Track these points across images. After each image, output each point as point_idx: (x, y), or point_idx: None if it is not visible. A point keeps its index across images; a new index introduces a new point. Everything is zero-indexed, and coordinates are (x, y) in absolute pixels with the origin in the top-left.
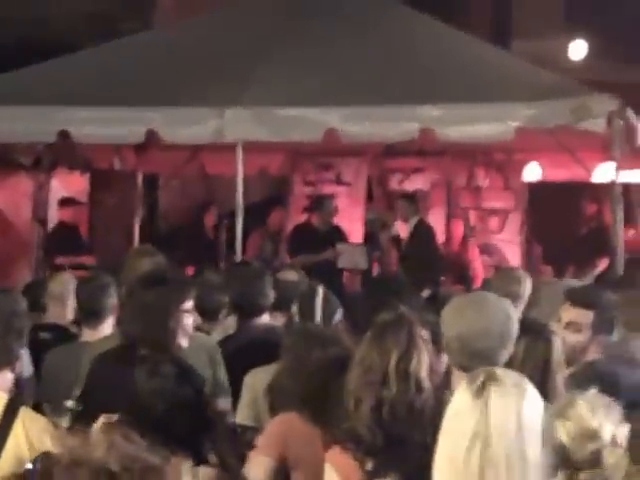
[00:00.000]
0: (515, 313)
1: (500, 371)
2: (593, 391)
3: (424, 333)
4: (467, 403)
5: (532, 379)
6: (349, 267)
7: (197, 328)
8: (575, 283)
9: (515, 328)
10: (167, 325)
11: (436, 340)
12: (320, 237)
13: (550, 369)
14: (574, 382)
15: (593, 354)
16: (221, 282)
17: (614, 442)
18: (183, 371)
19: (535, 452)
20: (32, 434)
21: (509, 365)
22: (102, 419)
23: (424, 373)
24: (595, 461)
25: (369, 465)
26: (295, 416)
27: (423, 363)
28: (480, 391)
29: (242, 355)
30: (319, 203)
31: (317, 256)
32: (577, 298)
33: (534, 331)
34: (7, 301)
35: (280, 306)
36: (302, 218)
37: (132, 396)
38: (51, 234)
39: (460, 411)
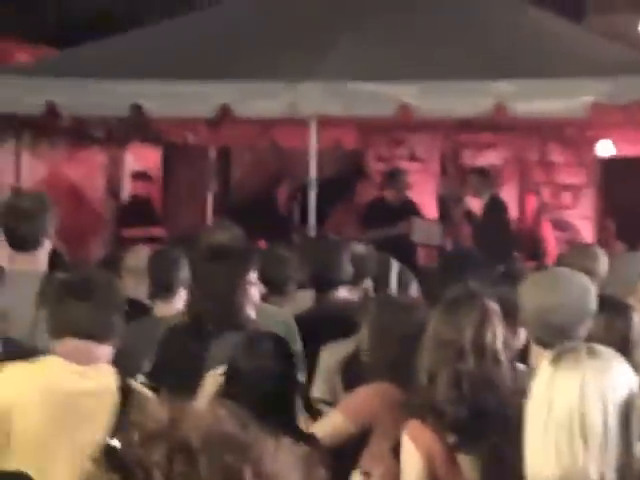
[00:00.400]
0: (593, 288)
1: (584, 343)
2: None
3: (496, 308)
4: (544, 370)
5: None
6: (423, 242)
7: (265, 300)
8: None
9: (593, 303)
10: (233, 298)
11: (511, 315)
12: (394, 212)
13: (629, 346)
14: None
15: None
16: (289, 255)
17: None
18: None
19: (601, 419)
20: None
21: (589, 339)
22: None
23: (500, 346)
24: None
25: (451, 439)
26: (388, 386)
27: (498, 336)
28: (555, 359)
29: (318, 329)
30: (392, 177)
31: (391, 230)
32: None
33: (612, 308)
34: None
35: (354, 280)
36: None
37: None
38: (124, 207)
39: (538, 378)
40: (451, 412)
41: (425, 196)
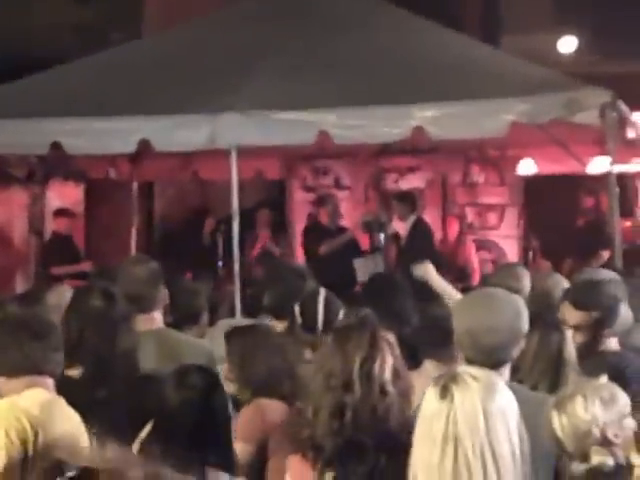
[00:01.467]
0: (524, 308)
1: (464, 370)
2: (602, 380)
3: (389, 337)
4: (434, 406)
5: (546, 372)
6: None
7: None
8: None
9: (525, 323)
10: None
11: (446, 334)
12: (331, 234)
13: (564, 361)
14: (584, 371)
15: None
16: (201, 286)
17: (605, 440)
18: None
19: (509, 447)
20: None
21: (522, 359)
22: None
23: (388, 376)
24: (583, 457)
25: (328, 477)
26: (264, 402)
27: (387, 366)
28: (444, 392)
29: None
30: (324, 200)
31: (342, 238)
32: (579, 300)
33: (546, 324)
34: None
35: (280, 309)
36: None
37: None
38: (46, 245)
39: (428, 414)
40: (329, 446)
41: (355, 224)
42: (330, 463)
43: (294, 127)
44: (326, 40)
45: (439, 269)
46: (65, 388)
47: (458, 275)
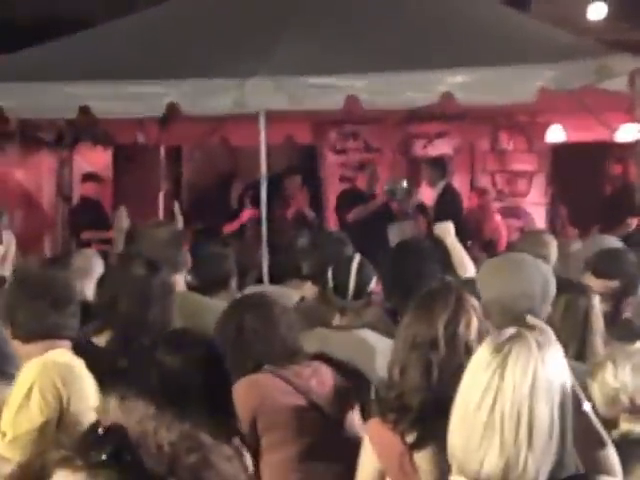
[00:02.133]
0: (552, 274)
1: (530, 334)
2: (637, 346)
3: (474, 302)
4: (485, 358)
5: (573, 335)
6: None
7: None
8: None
9: (553, 289)
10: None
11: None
12: (366, 201)
13: (591, 324)
14: (615, 337)
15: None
16: (227, 251)
17: (635, 407)
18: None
19: (548, 419)
20: None
21: (549, 322)
22: None
23: (473, 336)
24: (612, 425)
25: (410, 437)
26: (259, 376)
27: (473, 327)
28: (500, 347)
29: None
30: (363, 165)
31: (370, 205)
32: (599, 269)
33: (573, 288)
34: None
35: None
36: (339, 186)
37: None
38: (74, 210)
39: (477, 365)
40: (416, 403)
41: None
42: (414, 424)
43: (323, 92)
44: (356, 5)
45: (465, 237)
46: (91, 354)
47: (485, 243)
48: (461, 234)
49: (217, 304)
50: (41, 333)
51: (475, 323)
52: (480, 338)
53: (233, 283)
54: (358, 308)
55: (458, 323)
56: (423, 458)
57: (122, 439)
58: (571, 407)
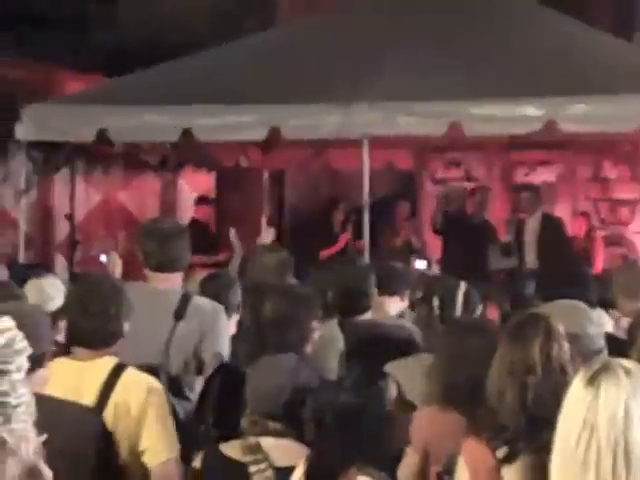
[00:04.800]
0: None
1: (617, 362)
2: None
3: (561, 328)
4: (579, 391)
5: None
6: (499, 267)
7: None
8: None
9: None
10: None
11: None
12: (472, 228)
13: None
14: None
15: None
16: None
17: None
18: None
19: None
20: None
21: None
22: None
23: (567, 360)
24: None
25: (500, 452)
26: (439, 410)
27: (564, 349)
28: (592, 380)
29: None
30: (474, 191)
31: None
32: None
33: None
34: None
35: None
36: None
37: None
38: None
39: (573, 399)
40: (513, 424)
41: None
42: (507, 441)
43: (426, 118)
44: (457, 33)
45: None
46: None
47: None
48: (570, 262)
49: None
50: (106, 343)
51: (565, 346)
52: (573, 360)
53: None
54: None
55: (551, 347)
56: (510, 472)
57: None
58: None
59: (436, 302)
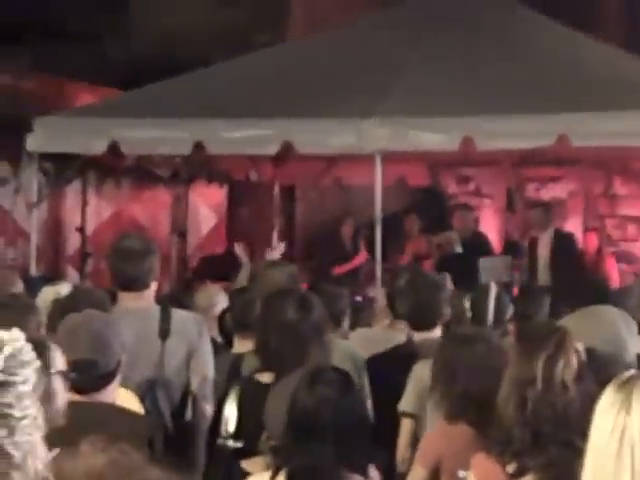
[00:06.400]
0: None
1: None
2: None
3: (578, 344)
4: (610, 397)
5: None
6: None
7: None
8: None
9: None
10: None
11: None
12: (463, 245)
13: None
14: None
15: None
16: (341, 290)
17: None
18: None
19: None
20: None
21: None
22: None
23: (570, 377)
24: None
25: (511, 468)
26: (454, 427)
27: (570, 367)
28: (623, 385)
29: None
30: (459, 209)
31: None
32: None
33: None
34: None
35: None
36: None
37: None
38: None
39: (603, 406)
40: (515, 437)
41: (491, 232)
42: (514, 456)
43: (437, 134)
44: (469, 48)
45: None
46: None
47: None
48: (582, 278)
49: (339, 342)
50: None
51: (574, 364)
52: (578, 379)
53: (345, 323)
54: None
55: (556, 363)
56: None
57: None
58: None
59: (467, 303)
